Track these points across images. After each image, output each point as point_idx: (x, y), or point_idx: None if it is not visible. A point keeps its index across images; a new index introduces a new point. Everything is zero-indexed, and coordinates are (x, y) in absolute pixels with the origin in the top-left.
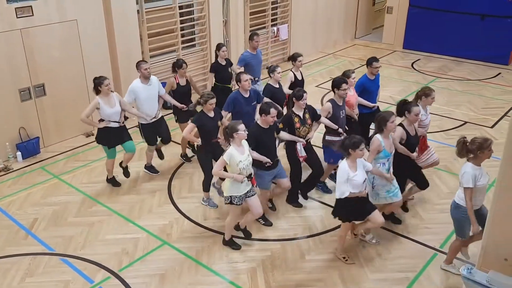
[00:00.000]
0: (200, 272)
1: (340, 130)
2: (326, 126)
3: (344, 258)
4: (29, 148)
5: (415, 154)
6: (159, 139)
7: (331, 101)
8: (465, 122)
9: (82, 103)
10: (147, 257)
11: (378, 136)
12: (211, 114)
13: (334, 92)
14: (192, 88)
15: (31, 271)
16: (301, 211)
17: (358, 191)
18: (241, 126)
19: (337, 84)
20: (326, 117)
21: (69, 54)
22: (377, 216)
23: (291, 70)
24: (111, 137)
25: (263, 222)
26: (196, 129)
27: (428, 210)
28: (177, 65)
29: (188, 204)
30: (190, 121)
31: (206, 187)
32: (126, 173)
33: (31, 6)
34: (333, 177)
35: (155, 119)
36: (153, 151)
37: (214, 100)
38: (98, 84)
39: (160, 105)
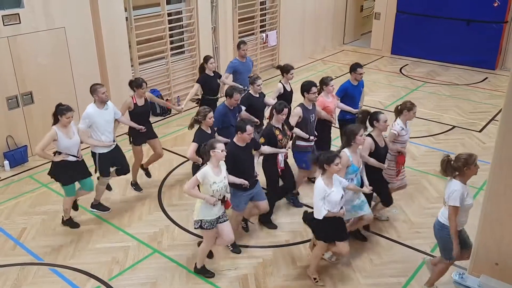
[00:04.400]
0: (191, 280)
1: (311, 138)
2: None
3: (315, 279)
4: (16, 156)
5: (385, 165)
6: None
7: (301, 105)
8: (453, 127)
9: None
10: (137, 265)
11: (346, 150)
12: (209, 131)
13: (304, 96)
14: (158, 104)
15: (19, 281)
16: (292, 217)
17: (336, 209)
18: (220, 145)
19: (306, 88)
20: (297, 121)
21: (57, 62)
22: (345, 246)
23: (280, 82)
24: (67, 172)
25: (231, 248)
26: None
27: (418, 215)
28: (136, 84)
29: (179, 212)
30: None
31: None
32: (74, 224)
33: (18, 14)
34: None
35: (114, 144)
36: (106, 184)
37: (212, 114)
38: (59, 113)
39: (116, 129)
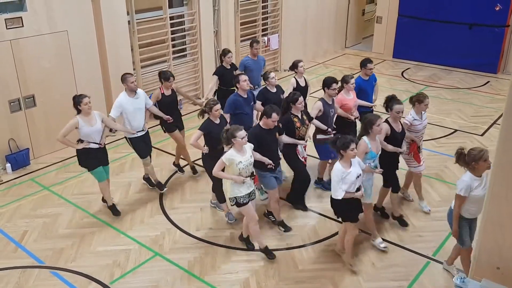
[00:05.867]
0: (192, 283)
1: (329, 129)
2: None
3: (351, 265)
4: (18, 159)
5: (401, 149)
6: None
7: (322, 99)
8: (455, 130)
9: (72, 114)
10: (139, 268)
11: (364, 138)
12: (217, 121)
13: (325, 91)
14: (182, 96)
15: (20, 284)
16: (294, 220)
17: (352, 189)
18: (240, 133)
19: (327, 83)
20: (317, 115)
21: (60, 65)
22: (354, 226)
23: (294, 77)
24: (91, 158)
25: (283, 229)
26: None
27: (420, 218)
28: (165, 78)
29: (180, 215)
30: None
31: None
32: (116, 211)
33: (21, 17)
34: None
35: (143, 132)
36: (149, 164)
37: (218, 106)
38: (77, 102)
39: (147, 118)
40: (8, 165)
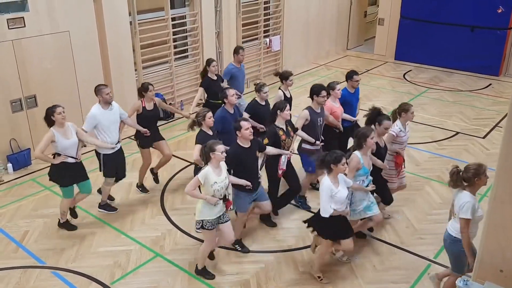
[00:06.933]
0: (193, 284)
1: (317, 142)
2: None
3: (319, 277)
4: (20, 159)
5: (385, 163)
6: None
7: (308, 108)
8: (457, 133)
9: (74, 115)
10: (139, 269)
11: (357, 153)
12: (210, 133)
13: (313, 99)
14: (168, 110)
15: (21, 284)
16: (295, 222)
17: (341, 208)
18: (219, 147)
19: (316, 91)
20: (304, 124)
21: (61, 65)
22: (350, 243)
23: (280, 88)
24: (66, 174)
25: (240, 249)
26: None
27: (421, 221)
28: (143, 89)
29: (181, 216)
30: (196, 143)
31: None
32: (71, 226)
33: (23, 17)
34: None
35: (118, 145)
36: (111, 184)
37: (210, 114)
38: (50, 113)
39: (121, 131)
40: (10, 165)
